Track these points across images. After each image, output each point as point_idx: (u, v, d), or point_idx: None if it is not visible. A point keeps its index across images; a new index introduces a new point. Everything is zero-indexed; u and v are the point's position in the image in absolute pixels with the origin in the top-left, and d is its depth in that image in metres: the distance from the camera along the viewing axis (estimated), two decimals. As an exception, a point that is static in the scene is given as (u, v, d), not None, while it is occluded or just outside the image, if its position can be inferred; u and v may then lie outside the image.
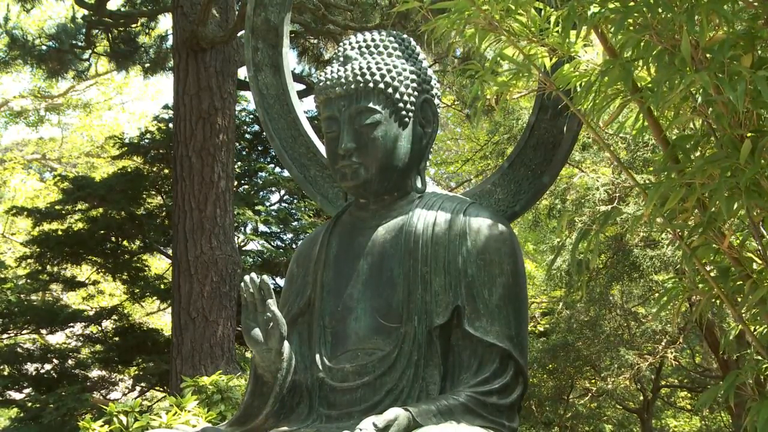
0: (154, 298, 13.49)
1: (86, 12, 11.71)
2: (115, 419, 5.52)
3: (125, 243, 12.80)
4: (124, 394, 12.77)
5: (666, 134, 2.82)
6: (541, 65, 2.87)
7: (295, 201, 13.58)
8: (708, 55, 2.46)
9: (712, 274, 2.86)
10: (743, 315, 2.90)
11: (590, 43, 2.89)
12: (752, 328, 3.01)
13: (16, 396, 12.15)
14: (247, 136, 14.04)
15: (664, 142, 2.81)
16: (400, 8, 2.96)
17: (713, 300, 2.96)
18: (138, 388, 12.73)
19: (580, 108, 2.92)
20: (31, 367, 12.23)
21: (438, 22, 2.87)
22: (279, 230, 13.24)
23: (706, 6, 2.38)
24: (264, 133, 8.73)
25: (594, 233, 2.95)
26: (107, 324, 13.03)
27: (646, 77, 2.77)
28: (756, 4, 2.53)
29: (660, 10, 2.47)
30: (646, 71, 2.73)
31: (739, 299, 2.85)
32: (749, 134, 2.51)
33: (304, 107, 13.32)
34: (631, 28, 2.57)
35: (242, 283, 2.97)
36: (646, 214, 2.75)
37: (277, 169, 13.23)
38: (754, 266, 2.78)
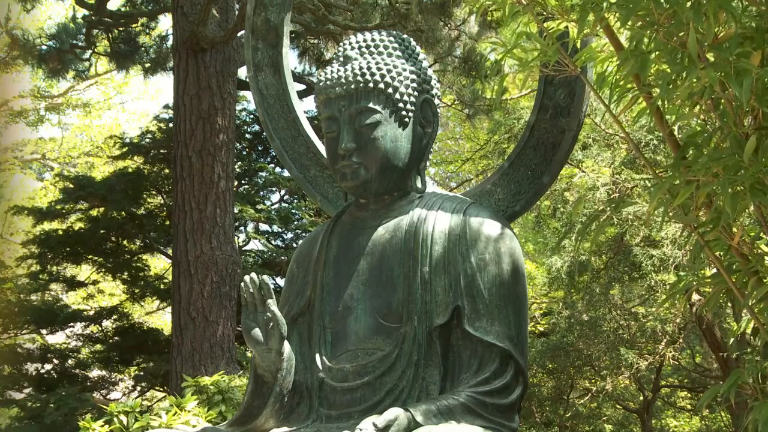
0: (154, 298, 13.49)
1: (86, 12, 11.69)
2: (115, 419, 5.51)
3: (125, 243, 12.79)
4: (124, 394, 12.76)
5: (673, 131, 2.81)
6: (570, 40, 2.85)
7: (296, 201, 13.58)
8: (714, 53, 2.45)
9: (717, 270, 2.85)
10: (751, 309, 2.90)
11: (599, 33, 2.87)
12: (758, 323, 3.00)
13: (17, 396, 12.14)
14: (247, 136, 14.03)
15: (671, 139, 2.80)
16: None
17: (722, 294, 2.96)
18: (138, 388, 12.72)
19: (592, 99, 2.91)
20: (31, 367, 12.22)
21: None
22: (280, 230, 13.24)
23: (713, 2, 2.37)
24: (264, 133, 8.73)
25: (605, 219, 2.93)
26: (107, 324, 13.02)
27: (654, 72, 2.76)
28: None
29: (666, 6, 2.45)
30: (655, 66, 2.72)
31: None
32: (754, 132, 2.50)
33: (304, 107, 13.31)
34: (640, 22, 2.55)
35: (242, 283, 2.97)
36: (650, 210, 2.75)
37: (278, 169, 13.23)
38: (766, 262, 2.77)
